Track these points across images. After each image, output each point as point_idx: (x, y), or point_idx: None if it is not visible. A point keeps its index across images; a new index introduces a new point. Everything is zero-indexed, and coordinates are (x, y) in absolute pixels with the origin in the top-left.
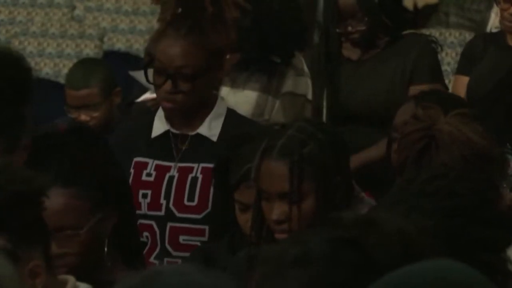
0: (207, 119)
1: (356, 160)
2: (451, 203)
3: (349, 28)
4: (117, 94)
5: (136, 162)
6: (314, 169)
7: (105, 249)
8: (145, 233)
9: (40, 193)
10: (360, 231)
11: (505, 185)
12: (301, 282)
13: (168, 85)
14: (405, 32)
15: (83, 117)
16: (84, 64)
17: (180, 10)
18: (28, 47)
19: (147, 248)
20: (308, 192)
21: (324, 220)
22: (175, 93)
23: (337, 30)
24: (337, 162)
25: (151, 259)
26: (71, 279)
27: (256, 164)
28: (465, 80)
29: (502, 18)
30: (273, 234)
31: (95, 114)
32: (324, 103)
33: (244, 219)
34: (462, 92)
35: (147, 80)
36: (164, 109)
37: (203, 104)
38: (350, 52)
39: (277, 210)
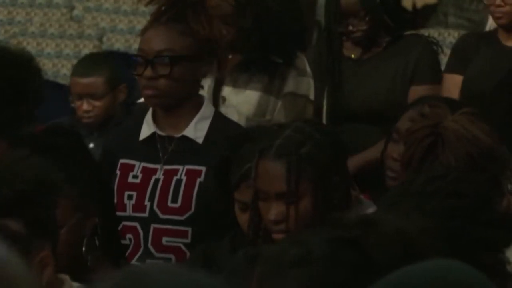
0: (193, 121)
1: (355, 161)
2: (451, 204)
3: (351, 27)
4: (122, 90)
5: (122, 164)
6: (312, 169)
7: (83, 248)
8: (128, 235)
9: (56, 187)
10: (360, 231)
11: (509, 186)
12: (301, 282)
13: (148, 72)
14: (406, 33)
15: (85, 106)
16: (92, 56)
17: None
18: (27, 47)
19: (129, 250)
20: (305, 192)
21: (324, 220)
22: (155, 79)
23: (339, 29)
24: (335, 162)
25: (134, 261)
26: (67, 278)
27: (253, 164)
28: (457, 78)
29: (492, 13)
30: (270, 234)
31: (98, 104)
32: (325, 102)
33: (245, 219)
34: (455, 91)
35: (132, 74)
36: (146, 98)
37: (187, 102)
38: (351, 51)
39: (274, 210)
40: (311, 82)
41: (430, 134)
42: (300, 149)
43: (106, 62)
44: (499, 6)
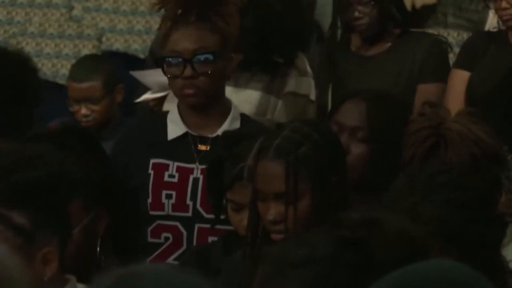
0: (227, 121)
1: None
2: (459, 196)
3: (356, 14)
4: (119, 91)
5: (155, 164)
6: (309, 169)
7: (97, 249)
8: (165, 234)
9: (70, 185)
10: (364, 232)
11: (508, 184)
12: (304, 282)
13: (188, 71)
14: (414, 30)
15: (84, 110)
16: (88, 59)
17: (180, 10)
18: (26, 47)
19: (164, 247)
20: (304, 193)
21: (323, 221)
22: (195, 78)
23: (345, 17)
24: (333, 162)
25: (171, 259)
26: (72, 278)
27: (252, 164)
28: (464, 74)
29: (500, 17)
30: (269, 234)
31: (96, 108)
32: (329, 98)
33: (237, 219)
34: (461, 87)
35: (165, 75)
36: (185, 98)
37: (218, 102)
38: (359, 48)
39: (273, 211)
40: (312, 82)
41: (432, 135)
42: (298, 149)
43: (103, 65)
44: (505, 9)
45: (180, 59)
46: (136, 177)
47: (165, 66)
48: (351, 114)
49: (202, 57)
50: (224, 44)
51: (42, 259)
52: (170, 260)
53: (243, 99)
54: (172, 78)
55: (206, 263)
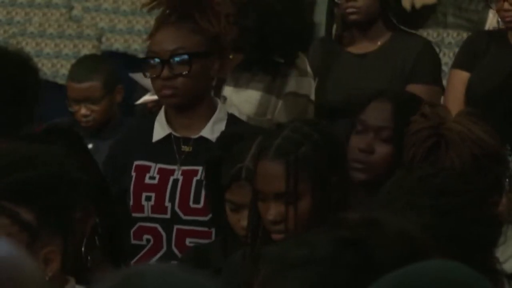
0: (210, 123)
1: None
2: (442, 202)
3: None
4: (119, 91)
5: (137, 166)
6: (310, 169)
7: (83, 249)
8: (146, 236)
9: (70, 185)
10: (363, 232)
11: (507, 184)
12: (304, 282)
13: (165, 72)
14: (407, 30)
15: (83, 110)
16: (88, 59)
17: (168, 11)
18: (26, 47)
19: (146, 250)
20: (304, 192)
21: (323, 221)
22: (173, 78)
23: (338, 1)
24: (333, 162)
25: (153, 261)
26: (71, 279)
27: (250, 164)
28: (464, 75)
29: (501, 18)
30: (269, 234)
31: (96, 108)
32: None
33: (235, 219)
34: (460, 87)
35: (145, 76)
36: (164, 99)
37: (202, 102)
38: (351, 46)
39: (273, 211)
40: (312, 82)
41: (433, 135)
42: (298, 149)
43: (102, 65)
44: (507, 10)
45: (158, 60)
46: (124, 179)
47: (146, 67)
48: (377, 114)
49: (178, 58)
50: (208, 45)
51: (43, 259)
52: (153, 261)
53: (244, 99)
54: (152, 80)
55: (204, 263)
